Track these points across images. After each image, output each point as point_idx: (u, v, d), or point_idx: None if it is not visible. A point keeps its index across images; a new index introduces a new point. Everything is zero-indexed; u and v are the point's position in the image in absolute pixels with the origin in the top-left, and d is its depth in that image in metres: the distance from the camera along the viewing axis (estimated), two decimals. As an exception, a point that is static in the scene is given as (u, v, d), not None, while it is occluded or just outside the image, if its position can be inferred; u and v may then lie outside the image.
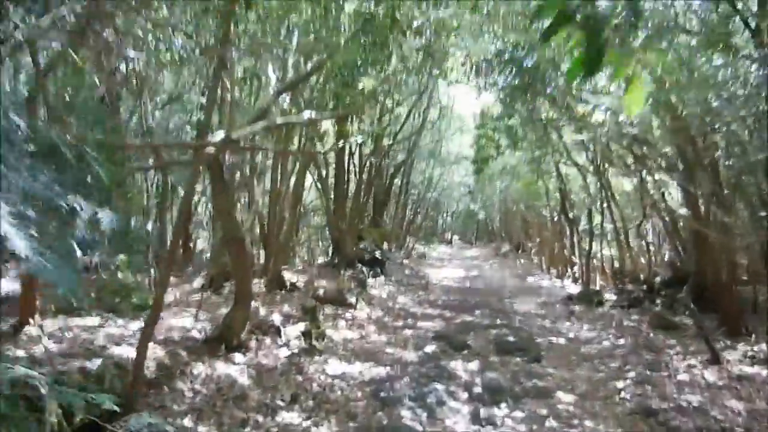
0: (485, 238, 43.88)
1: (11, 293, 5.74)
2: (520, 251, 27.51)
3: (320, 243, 18.94)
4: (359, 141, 9.77)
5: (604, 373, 6.83)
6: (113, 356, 4.08)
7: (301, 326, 6.64)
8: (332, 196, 12.01)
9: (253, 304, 6.87)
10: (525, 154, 17.95)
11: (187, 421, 4.12)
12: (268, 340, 6.12)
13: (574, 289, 15.67)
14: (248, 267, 5.91)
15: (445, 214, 40.63)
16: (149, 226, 6.38)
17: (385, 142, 15.89)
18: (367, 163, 15.08)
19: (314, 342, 6.55)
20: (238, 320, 5.73)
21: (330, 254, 12.91)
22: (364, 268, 13.76)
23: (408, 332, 8.25)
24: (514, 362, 7.00)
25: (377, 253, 15.36)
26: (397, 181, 21.67)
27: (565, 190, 17.38)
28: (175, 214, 16.86)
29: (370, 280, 13.52)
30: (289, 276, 10.09)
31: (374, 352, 7.08)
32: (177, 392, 4.45)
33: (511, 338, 8.00)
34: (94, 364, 3.58)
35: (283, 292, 8.89)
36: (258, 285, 8.33)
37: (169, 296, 8.16)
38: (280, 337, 6.24)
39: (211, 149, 4.22)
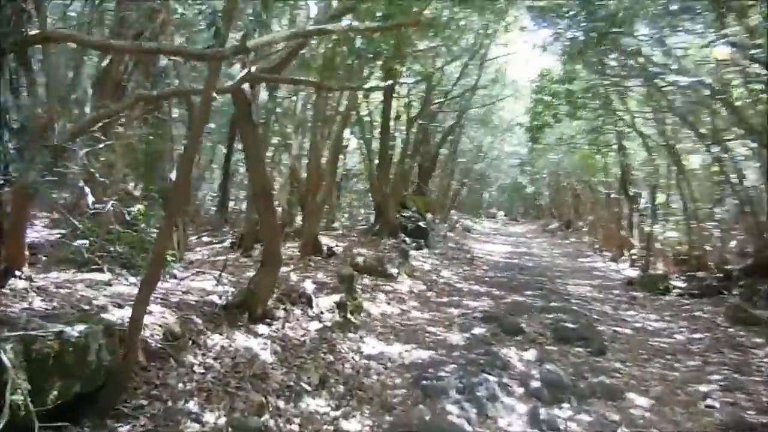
0: (532, 214, 42.36)
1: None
2: (569, 229, 26.16)
3: (362, 209, 18.22)
4: (409, 81, 8.74)
5: (681, 373, 5.86)
6: (110, 320, 3.40)
7: (336, 297, 5.89)
8: (376, 159, 11.16)
9: (284, 269, 6.17)
10: (584, 123, 16.63)
11: (192, 405, 3.43)
12: (297, 311, 5.41)
13: (632, 273, 14.52)
14: (277, 225, 5.17)
15: (490, 188, 39.21)
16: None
17: (433, 105, 14.86)
18: (414, 126, 14.10)
19: (349, 315, 5.82)
20: (264, 286, 5.02)
21: (371, 221, 12.13)
22: (406, 238, 12.98)
23: (453, 310, 7.43)
24: (575, 353, 6.11)
25: (421, 223, 14.53)
26: (444, 150, 20.66)
27: (627, 164, 16.04)
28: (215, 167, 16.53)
29: (413, 251, 12.71)
30: (326, 241, 9.38)
31: (416, 330, 6.31)
32: (185, 367, 3.77)
33: (569, 324, 7.06)
34: (78, 329, 2.90)
35: (318, 258, 8.18)
36: (291, 249, 7.64)
37: (196, 255, 7.58)
38: (312, 307, 5.52)
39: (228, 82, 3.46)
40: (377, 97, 12.97)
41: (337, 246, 9.31)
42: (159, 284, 4.37)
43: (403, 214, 15.40)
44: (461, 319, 7.01)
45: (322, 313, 5.55)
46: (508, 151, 22.27)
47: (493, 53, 16.55)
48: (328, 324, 5.42)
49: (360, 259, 8.57)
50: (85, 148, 4.98)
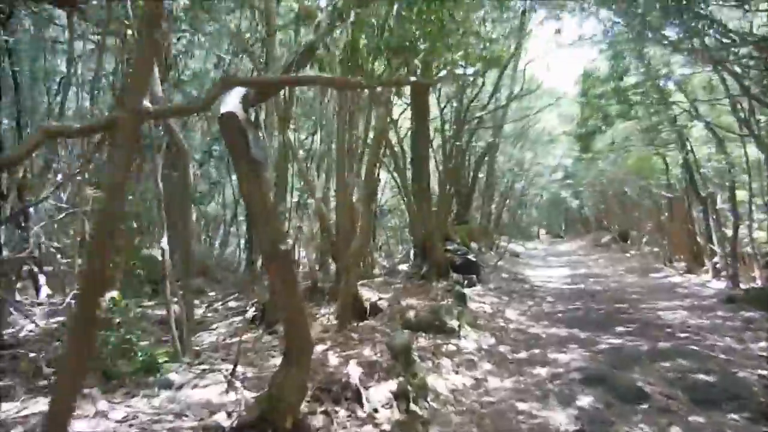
0: (576, 229, 40.12)
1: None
2: (626, 242, 24.04)
3: (400, 246, 16.69)
4: (468, 72, 7.16)
5: None
6: None
7: (393, 383, 4.33)
8: (412, 190, 9.68)
9: (319, 347, 4.66)
10: (638, 123, 14.91)
11: None
12: (342, 412, 3.87)
13: (719, 285, 12.53)
14: (299, 299, 3.67)
15: (527, 206, 37.11)
16: (163, 244, 4.30)
17: (467, 123, 13.38)
18: (451, 149, 12.61)
19: (413, 406, 4.23)
20: (291, 387, 3.51)
21: (413, 260, 10.57)
22: (457, 276, 11.35)
23: (541, 371, 5.75)
24: (732, 424, 4.37)
25: (470, 256, 12.89)
26: (481, 172, 19.12)
27: (693, 161, 14.17)
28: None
29: (467, 291, 11.09)
30: (367, 294, 7.86)
31: (503, 412, 4.66)
32: None
33: (701, 376, 5.33)
34: None
35: (361, 323, 6.64)
36: (327, 314, 6.14)
37: (209, 335, 6.14)
38: (361, 404, 3.97)
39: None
40: (405, 121, 11.62)
41: (380, 299, 7.76)
42: (144, 403, 2.92)
43: (447, 247, 13.82)
44: (556, 384, 5.34)
45: (376, 411, 3.99)
46: (552, 165, 20.59)
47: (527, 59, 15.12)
48: (387, 428, 3.85)
49: (411, 314, 6.99)
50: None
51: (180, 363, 4.20)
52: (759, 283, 11.55)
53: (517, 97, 14.28)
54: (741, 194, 13.50)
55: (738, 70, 10.72)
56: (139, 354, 3.84)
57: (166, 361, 3.96)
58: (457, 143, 12.07)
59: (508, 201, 21.87)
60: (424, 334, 6.66)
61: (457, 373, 5.53)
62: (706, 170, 14.61)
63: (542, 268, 18.53)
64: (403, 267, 12.79)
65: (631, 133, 15.15)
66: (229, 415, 3.45)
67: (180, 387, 3.84)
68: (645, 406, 4.72)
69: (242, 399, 3.68)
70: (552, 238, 40.07)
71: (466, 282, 11.83)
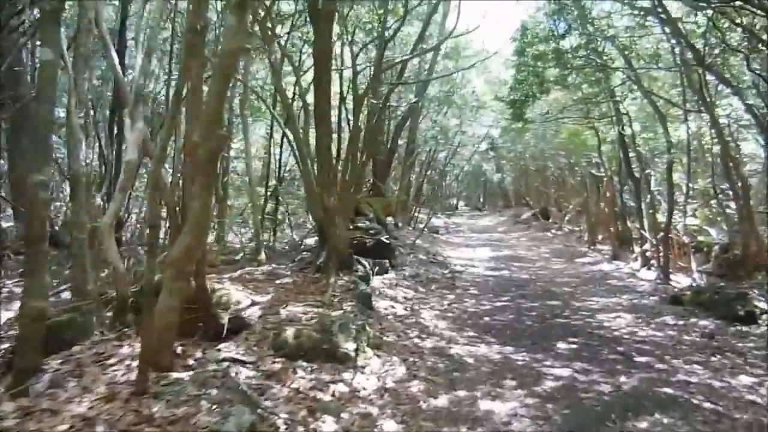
0: (495, 203, 39.48)
1: None
2: (548, 219, 23.13)
3: (309, 222, 14.47)
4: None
5: None
6: None
7: None
8: (314, 157, 7.46)
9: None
10: (576, 91, 13.43)
11: None
12: None
13: (648, 275, 11.41)
14: None
15: (449, 177, 35.69)
16: None
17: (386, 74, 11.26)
18: (364, 111, 10.46)
19: None
20: None
21: (315, 244, 8.45)
22: (365, 261, 9.39)
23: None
24: None
25: (383, 237, 10.96)
26: (401, 140, 17.13)
27: (630, 138, 12.89)
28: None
29: (376, 281, 9.16)
30: (237, 296, 5.71)
31: None
32: None
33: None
34: None
35: (203, 353, 4.48)
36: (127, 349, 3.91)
37: None
38: None
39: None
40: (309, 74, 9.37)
41: (252, 305, 5.63)
42: None
43: (359, 224, 11.83)
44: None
45: None
46: (479, 134, 18.97)
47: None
48: None
49: (290, 333, 4.92)
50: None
51: None
52: (695, 275, 10.44)
53: (449, 38, 12.11)
54: (676, 177, 12.43)
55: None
56: None
57: None
58: (374, 101, 9.92)
59: (429, 172, 20.13)
60: (305, 365, 4.62)
61: (343, 442, 3.54)
62: (642, 149, 13.44)
63: (463, 247, 17.02)
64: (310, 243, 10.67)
65: (566, 104, 13.65)
66: None
67: None
68: None
69: None
70: (471, 211, 39.28)
71: (376, 269, 9.93)
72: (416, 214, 18.25)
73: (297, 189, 16.25)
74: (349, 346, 4.94)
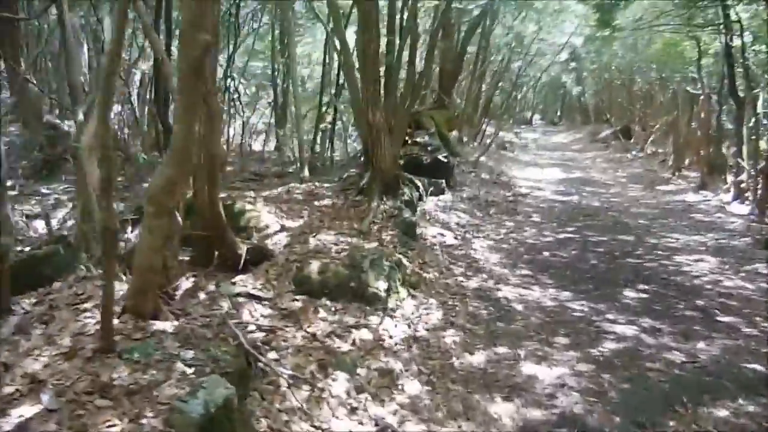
0: (573, 118, 36.93)
1: None
2: (630, 140, 21.20)
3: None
4: None
5: None
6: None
7: None
8: (361, 64, 6.58)
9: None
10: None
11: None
12: None
13: (740, 209, 10.08)
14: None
15: (523, 88, 33.15)
16: None
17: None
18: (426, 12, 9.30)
19: None
20: None
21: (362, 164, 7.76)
22: (418, 182, 8.69)
23: (501, 411, 3.28)
24: None
25: (441, 155, 10.13)
26: (471, 47, 15.65)
27: (738, 50, 11.03)
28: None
29: (429, 202, 8.50)
30: (266, 220, 5.24)
31: None
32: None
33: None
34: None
35: (225, 275, 4.07)
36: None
37: None
38: None
39: None
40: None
41: (279, 231, 5.15)
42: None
43: (417, 139, 11.01)
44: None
45: None
46: (559, 43, 17.09)
47: None
48: None
49: (315, 266, 4.41)
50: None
51: None
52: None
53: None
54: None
55: None
56: None
57: None
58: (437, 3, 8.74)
59: (500, 83, 18.61)
60: (328, 304, 4.14)
61: (354, 410, 3.05)
62: (751, 64, 11.53)
63: (532, 167, 15.88)
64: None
65: (663, 8, 11.76)
66: None
67: None
68: None
69: None
70: (546, 126, 37.08)
71: (432, 189, 9.25)
72: (484, 129, 17.06)
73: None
74: (380, 285, 4.40)
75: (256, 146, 15.00)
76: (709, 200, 11.27)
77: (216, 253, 4.35)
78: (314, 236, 5.08)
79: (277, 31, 13.68)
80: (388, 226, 5.77)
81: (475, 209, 9.09)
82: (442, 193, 9.50)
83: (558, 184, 12.92)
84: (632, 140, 21.05)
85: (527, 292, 5.19)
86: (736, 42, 11.08)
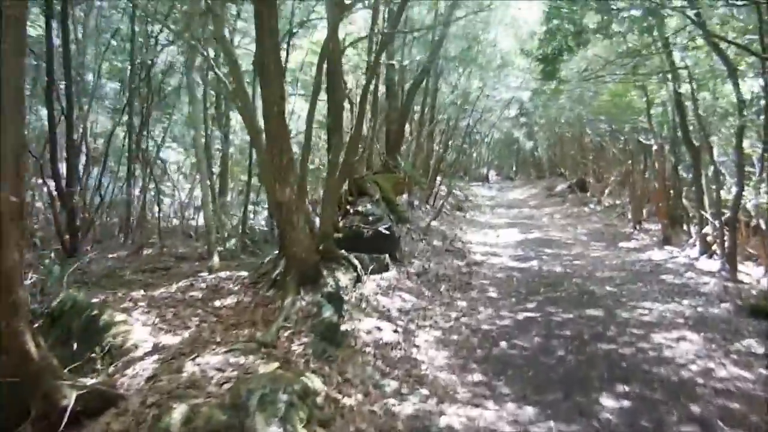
0: (528, 172, 36.92)
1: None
2: (585, 192, 20.75)
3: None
4: None
5: None
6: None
7: None
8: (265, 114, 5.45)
9: None
10: (621, 44, 11.09)
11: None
12: None
13: (709, 264, 9.28)
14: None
15: (477, 144, 33.00)
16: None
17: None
18: (371, 70, 8.44)
19: None
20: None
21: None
22: (355, 262, 7.55)
23: None
24: None
25: (384, 225, 9.05)
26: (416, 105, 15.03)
27: (687, 97, 10.54)
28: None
29: (368, 283, 7.34)
30: (127, 335, 3.98)
31: None
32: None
33: None
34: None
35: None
36: None
37: None
38: None
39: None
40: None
41: (149, 353, 3.89)
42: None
43: (359, 208, 9.97)
44: None
45: None
46: (505, 98, 16.63)
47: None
48: None
49: (178, 416, 3.14)
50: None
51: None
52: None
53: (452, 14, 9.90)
54: (746, 144, 10.12)
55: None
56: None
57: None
58: (383, 61, 7.89)
59: (450, 142, 17.99)
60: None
61: None
62: (702, 111, 11.06)
63: (488, 228, 14.98)
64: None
65: (608, 58, 11.31)
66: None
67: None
68: None
69: None
70: (503, 182, 36.92)
71: (372, 266, 8.11)
72: (436, 191, 16.25)
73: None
74: (270, 434, 3.14)
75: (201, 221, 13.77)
76: (675, 257, 10.47)
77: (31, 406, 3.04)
78: (194, 359, 3.81)
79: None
80: (302, 332, 4.55)
81: (423, 287, 7.97)
82: (386, 270, 8.37)
83: (516, 248, 11.97)
84: (588, 193, 20.61)
85: (478, 414, 3.99)
86: (685, 88, 10.62)
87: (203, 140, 10.24)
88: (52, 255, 6.30)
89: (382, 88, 14.18)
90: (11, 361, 2.88)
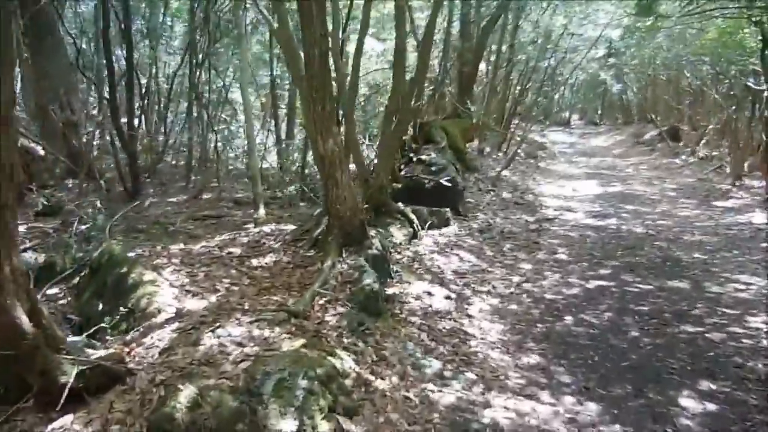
0: (614, 118, 34.33)
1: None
2: (677, 141, 18.88)
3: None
4: None
5: None
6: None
7: None
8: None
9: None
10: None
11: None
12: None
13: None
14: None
15: (560, 86, 30.77)
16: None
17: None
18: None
19: None
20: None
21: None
22: (412, 216, 7.05)
23: None
24: None
25: (445, 177, 8.43)
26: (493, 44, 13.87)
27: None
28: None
29: (424, 240, 6.86)
30: (152, 297, 3.72)
31: None
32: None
33: None
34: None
35: (37, 418, 2.54)
36: None
37: None
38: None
39: None
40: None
41: (170, 320, 3.62)
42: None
43: (422, 156, 9.35)
44: None
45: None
46: (592, 36, 15.01)
47: None
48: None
49: (184, 400, 2.83)
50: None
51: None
52: None
53: None
54: None
55: None
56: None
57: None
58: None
59: (528, 84, 16.69)
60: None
61: None
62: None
63: (564, 179, 13.93)
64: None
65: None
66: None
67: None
68: None
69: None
70: (585, 127, 34.65)
71: (432, 221, 7.59)
72: (509, 137, 15.23)
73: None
74: (286, 427, 2.79)
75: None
76: (781, 220, 9.20)
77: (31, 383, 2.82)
78: (215, 330, 3.50)
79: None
80: (338, 300, 4.14)
81: (486, 245, 7.37)
82: (446, 225, 7.83)
83: (593, 202, 11.00)
84: (681, 143, 18.74)
85: (530, 408, 3.47)
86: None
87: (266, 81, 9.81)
88: (98, 203, 6.20)
89: (456, 26, 13.19)
90: (1, 336, 2.64)
